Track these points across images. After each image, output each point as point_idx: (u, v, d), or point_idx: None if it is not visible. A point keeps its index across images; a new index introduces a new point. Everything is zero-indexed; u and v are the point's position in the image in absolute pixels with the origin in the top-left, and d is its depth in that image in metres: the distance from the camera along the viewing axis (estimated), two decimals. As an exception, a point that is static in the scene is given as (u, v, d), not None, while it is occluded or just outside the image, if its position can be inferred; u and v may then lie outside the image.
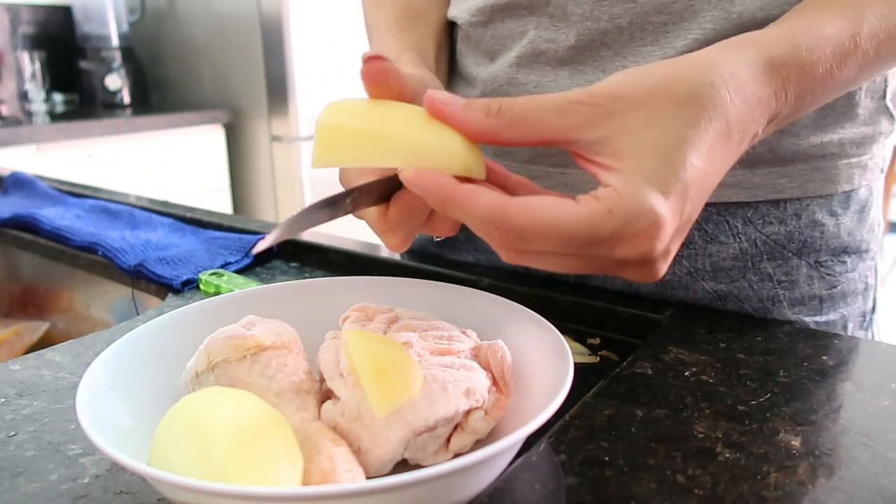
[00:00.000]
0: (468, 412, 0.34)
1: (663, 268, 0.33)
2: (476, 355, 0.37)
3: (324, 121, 0.33)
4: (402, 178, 0.33)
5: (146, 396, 0.36)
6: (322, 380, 0.36)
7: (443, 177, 0.32)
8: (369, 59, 0.35)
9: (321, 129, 0.33)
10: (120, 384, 0.35)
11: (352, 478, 0.29)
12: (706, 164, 0.32)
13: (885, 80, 0.52)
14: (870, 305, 0.58)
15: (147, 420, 0.34)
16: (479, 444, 0.35)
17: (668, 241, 0.32)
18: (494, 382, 0.36)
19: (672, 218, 0.31)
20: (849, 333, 0.56)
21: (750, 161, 0.50)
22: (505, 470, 0.32)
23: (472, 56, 0.60)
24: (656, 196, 0.30)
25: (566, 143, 0.33)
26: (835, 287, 0.54)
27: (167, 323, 0.41)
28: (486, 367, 0.36)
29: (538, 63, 0.54)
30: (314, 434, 0.31)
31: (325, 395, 0.36)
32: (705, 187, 0.33)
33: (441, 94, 0.33)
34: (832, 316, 0.55)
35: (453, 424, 0.34)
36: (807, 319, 0.54)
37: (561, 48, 0.52)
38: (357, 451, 0.32)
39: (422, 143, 0.32)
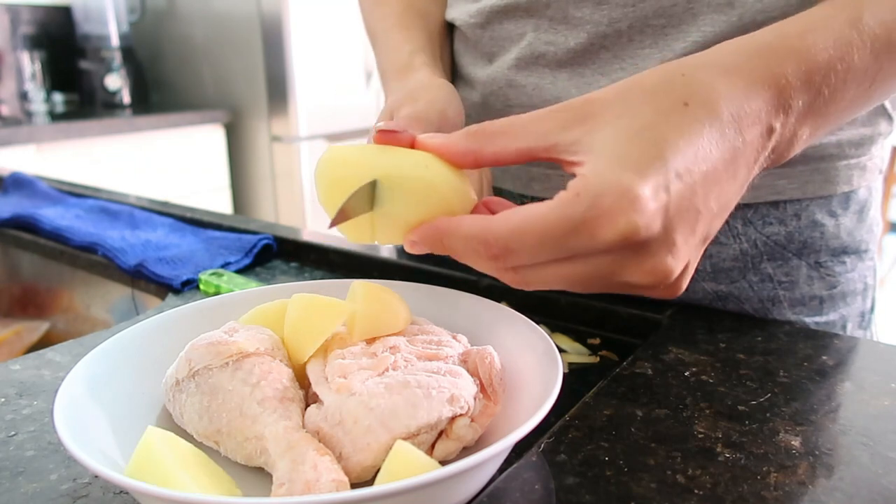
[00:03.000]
0: (453, 419, 0.33)
1: (672, 263, 0.30)
2: (465, 361, 0.37)
3: (322, 174, 0.34)
4: (407, 247, 0.34)
5: (126, 405, 0.36)
6: (308, 386, 0.36)
7: (433, 223, 0.33)
8: (381, 133, 0.35)
9: (322, 186, 0.34)
10: (99, 395, 0.35)
11: (336, 487, 0.29)
12: (688, 143, 0.30)
13: None
14: (868, 305, 0.58)
15: (128, 428, 0.34)
16: (466, 450, 0.34)
17: (658, 223, 0.29)
18: (482, 389, 0.36)
19: (650, 192, 0.29)
20: (848, 333, 0.56)
21: None
22: (503, 471, 0.32)
23: (470, 57, 0.60)
24: (625, 171, 0.29)
25: (546, 149, 0.32)
26: (835, 287, 0.54)
27: (148, 329, 0.40)
28: (475, 374, 0.36)
29: (537, 65, 0.54)
30: (298, 443, 0.31)
31: (312, 399, 0.35)
32: (695, 167, 0.30)
33: (427, 135, 0.35)
34: (832, 316, 0.55)
35: (437, 431, 0.33)
36: (807, 320, 0.54)
37: (560, 50, 0.52)
38: (339, 457, 0.31)
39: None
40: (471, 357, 0.37)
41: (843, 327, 0.56)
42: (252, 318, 0.40)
